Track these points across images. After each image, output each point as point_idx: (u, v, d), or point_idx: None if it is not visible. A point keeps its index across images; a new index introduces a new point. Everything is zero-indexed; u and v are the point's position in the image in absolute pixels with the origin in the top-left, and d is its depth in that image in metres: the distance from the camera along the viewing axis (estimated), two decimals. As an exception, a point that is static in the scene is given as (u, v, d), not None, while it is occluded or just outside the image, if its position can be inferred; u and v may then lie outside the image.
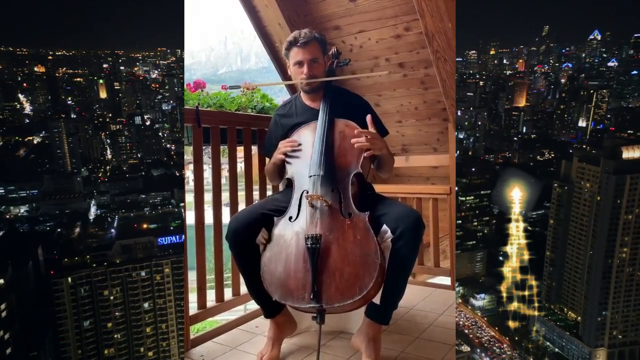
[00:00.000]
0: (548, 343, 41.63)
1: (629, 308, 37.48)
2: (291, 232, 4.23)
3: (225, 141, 6.64)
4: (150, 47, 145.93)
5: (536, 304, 44.88)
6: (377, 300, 4.26)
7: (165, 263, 31.87)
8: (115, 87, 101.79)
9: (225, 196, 6.69)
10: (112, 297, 30.53)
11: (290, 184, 4.73)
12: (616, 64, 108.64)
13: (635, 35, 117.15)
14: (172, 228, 51.57)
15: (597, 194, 36.26)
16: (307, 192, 4.36)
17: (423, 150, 9.27)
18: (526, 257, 51.13)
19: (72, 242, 48.68)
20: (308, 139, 4.75)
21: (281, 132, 5.18)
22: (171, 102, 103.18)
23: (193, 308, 6.09)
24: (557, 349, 40.87)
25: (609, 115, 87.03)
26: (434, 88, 8.16)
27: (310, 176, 4.46)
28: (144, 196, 64.54)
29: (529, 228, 58.56)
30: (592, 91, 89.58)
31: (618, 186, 34.58)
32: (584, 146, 75.44)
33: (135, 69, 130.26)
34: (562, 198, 40.55)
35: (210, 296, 6.20)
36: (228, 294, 6.28)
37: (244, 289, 6.36)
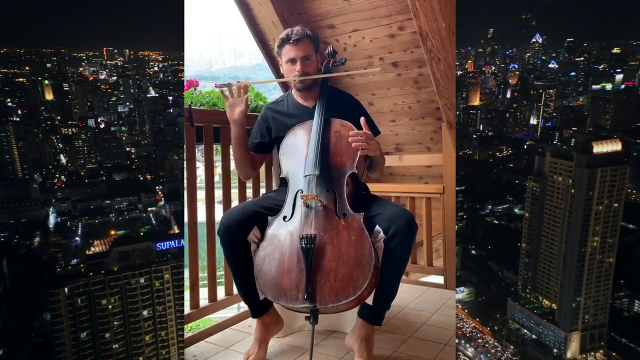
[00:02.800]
0: (525, 331, 43.11)
1: (599, 293, 39.61)
2: (285, 231, 4.15)
3: (219, 140, 6.28)
4: (97, 47, 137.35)
5: (512, 294, 45.40)
6: (369, 300, 4.26)
7: (165, 269, 30.35)
8: (64, 89, 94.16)
9: (218, 194, 6.35)
10: (110, 306, 28.88)
11: (284, 182, 4.63)
12: (556, 65, 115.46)
13: (568, 39, 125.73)
14: (141, 234, 48.87)
15: (571, 187, 37.98)
16: (302, 192, 4.28)
17: (416, 150, 9.08)
18: (496, 249, 51.85)
19: (34, 252, 45.36)
20: (303, 139, 4.63)
21: (268, 127, 4.98)
22: (127, 104, 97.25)
23: (186, 307, 5.77)
24: (534, 336, 42.46)
25: (554, 114, 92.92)
26: (428, 87, 7.95)
27: (306, 176, 4.37)
28: (108, 202, 60.40)
29: (495, 222, 59.63)
30: (540, 90, 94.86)
31: (590, 179, 36.39)
32: (534, 142, 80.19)
33: (81, 69, 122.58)
34: (536, 192, 41.85)
35: (203, 294, 5.84)
36: (221, 292, 5.93)
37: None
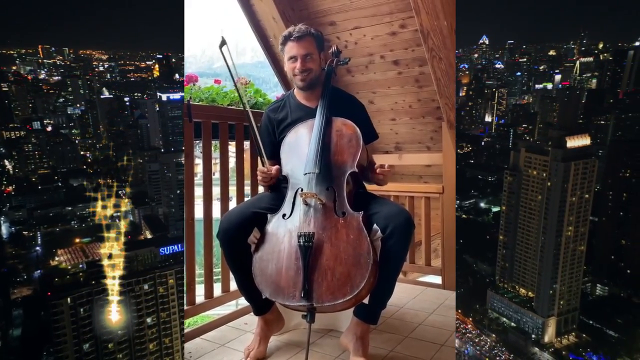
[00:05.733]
0: (505, 319, 44.34)
1: (572, 279, 41.19)
2: (284, 229, 4.00)
3: (217, 136, 5.71)
4: (30, 45, 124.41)
5: (489, 284, 47.12)
6: (366, 300, 4.11)
7: (169, 274, 28.28)
8: (3, 89, 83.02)
9: (216, 191, 5.80)
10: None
11: (285, 181, 4.45)
12: (502, 66, 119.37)
13: (509, 41, 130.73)
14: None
15: (547, 180, 39.23)
16: (302, 190, 4.11)
17: (416, 149, 8.68)
18: (468, 242, 51.80)
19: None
20: (304, 137, 4.45)
21: (272, 131, 4.81)
22: (78, 105, 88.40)
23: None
24: (513, 323, 43.71)
25: (506, 111, 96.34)
26: (429, 86, 7.56)
27: (306, 174, 4.20)
28: (69, 208, 54.01)
29: (463, 216, 59.78)
30: (493, 89, 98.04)
31: (565, 172, 37.71)
32: (490, 139, 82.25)
33: (14, 67, 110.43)
34: (512, 186, 42.96)
35: (200, 291, 5.36)
36: (217, 289, 5.53)
37: (233, 285, 5.56)
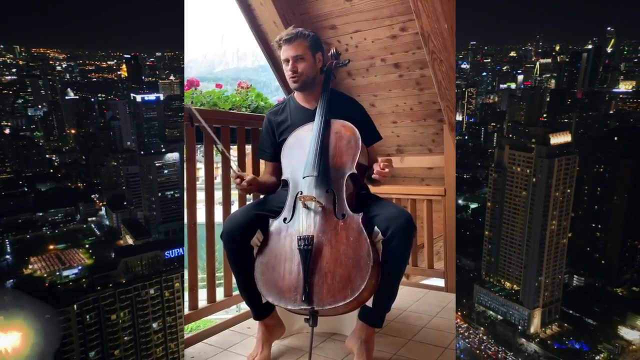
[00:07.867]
0: (491, 312, 45.12)
1: (556, 271, 42.14)
2: (285, 233, 3.93)
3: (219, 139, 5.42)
4: None
5: (474, 279, 47.85)
6: (369, 302, 4.05)
7: (175, 278, 27.06)
8: None
9: (218, 195, 5.50)
10: (120, 321, 25.25)
11: (286, 184, 4.37)
12: (468, 66, 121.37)
13: (472, 42, 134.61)
14: (87, 246, 43.55)
15: (531, 176, 39.99)
16: (301, 193, 4.02)
17: (418, 151, 8.45)
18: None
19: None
20: (304, 140, 4.38)
21: (273, 133, 4.74)
22: (39, 106, 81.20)
23: (185, 308, 5.00)
24: (500, 316, 44.45)
25: (475, 110, 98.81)
26: (430, 89, 7.34)
27: (305, 177, 4.12)
28: (41, 214, 50.27)
29: None
30: (463, 89, 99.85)
31: (549, 168, 38.55)
32: (463, 137, 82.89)
33: None
34: (497, 182, 43.64)
35: (202, 295, 5.07)
36: (220, 294, 5.26)
37: (236, 289, 5.22)
